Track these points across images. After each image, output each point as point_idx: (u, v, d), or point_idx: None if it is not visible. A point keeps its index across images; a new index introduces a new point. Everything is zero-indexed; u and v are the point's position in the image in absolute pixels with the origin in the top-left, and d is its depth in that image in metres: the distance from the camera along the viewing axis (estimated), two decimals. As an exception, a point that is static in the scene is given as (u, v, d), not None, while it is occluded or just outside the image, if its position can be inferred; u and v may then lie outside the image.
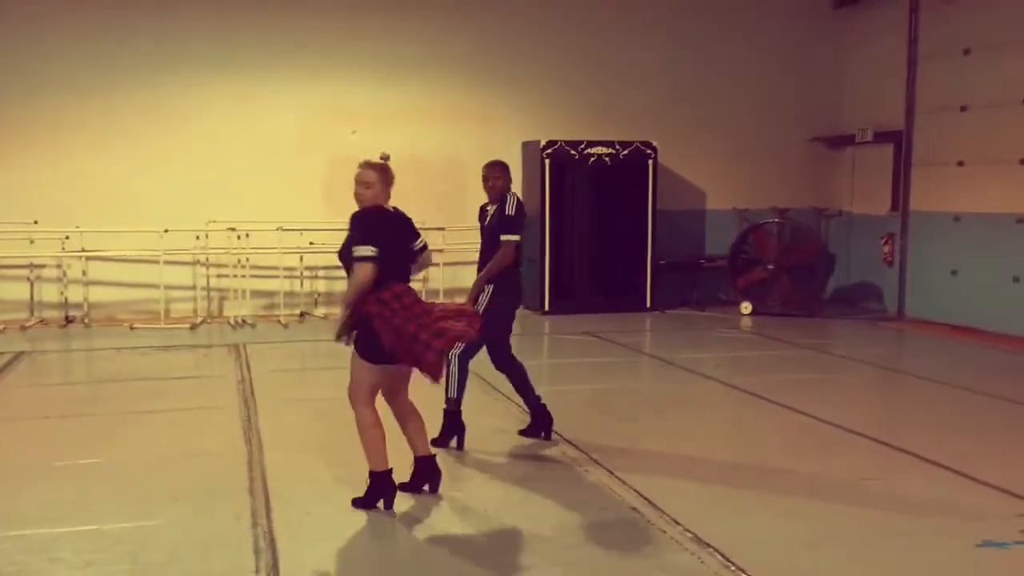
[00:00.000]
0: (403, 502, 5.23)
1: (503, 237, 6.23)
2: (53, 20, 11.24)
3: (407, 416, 5.32)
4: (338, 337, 5.04)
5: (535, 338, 11.25)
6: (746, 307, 12.53)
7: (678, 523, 4.97)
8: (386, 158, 5.22)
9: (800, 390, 8.22)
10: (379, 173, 5.10)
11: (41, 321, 11.25)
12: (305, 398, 7.80)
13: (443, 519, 5.11)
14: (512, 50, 12.66)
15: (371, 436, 5.07)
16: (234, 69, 11.77)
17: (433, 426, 6.03)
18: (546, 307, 12.29)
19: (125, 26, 11.41)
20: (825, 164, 13.88)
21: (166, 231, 11.00)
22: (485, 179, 6.38)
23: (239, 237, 11.31)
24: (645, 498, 5.35)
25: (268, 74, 11.90)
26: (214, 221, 11.32)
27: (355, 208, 5.13)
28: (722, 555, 4.56)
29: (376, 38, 12.20)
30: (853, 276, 13.57)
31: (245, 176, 11.73)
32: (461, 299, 6.60)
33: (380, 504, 5.13)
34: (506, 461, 6.15)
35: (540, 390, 6.64)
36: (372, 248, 4.90)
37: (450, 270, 11.99)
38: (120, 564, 4.38)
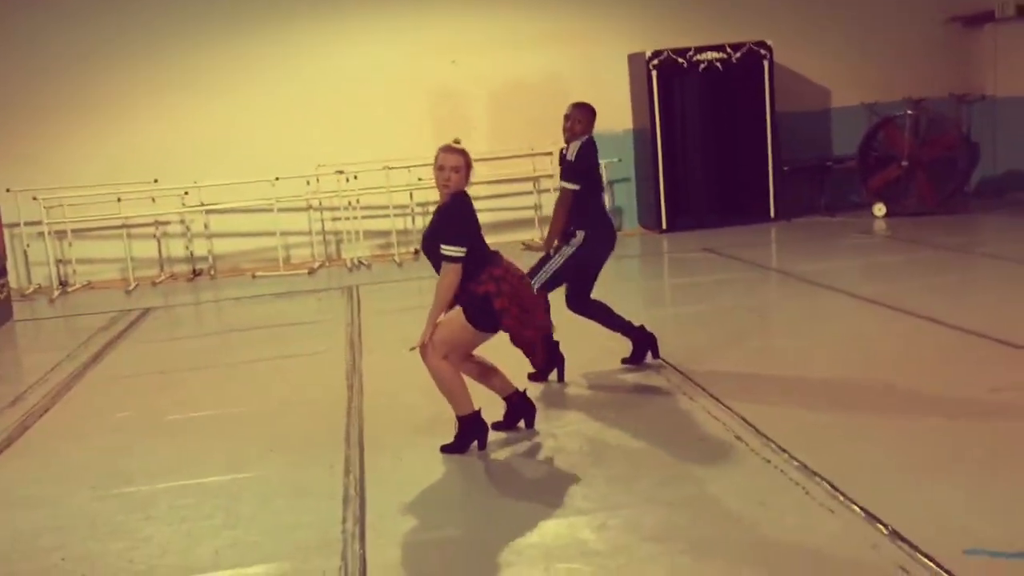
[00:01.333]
0: (496, 442, 5.10)
1: (560, 183, 6.00)
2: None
3: (482, 368, 5.18)
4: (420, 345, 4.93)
5: (652, 258, 10.89)
6: (880, 209, 11.74)
7: (784, 450, 4.65)
8: (459, 142, 4.98)
9: (936, 297, 7.62)
10: (464, 157, 4.90)
11: (171, 276, 11.65)
12: (411, 338, 7.75)
13: (535, 457, 4.95)
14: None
15: (454, 382, 4.94)
16: (330, 11, 11.67)
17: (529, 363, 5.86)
18: (664, 225, 11.85)
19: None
20: (963, 46, 12.73)
21: (277, 179, 11.13)
22: (565, 118, 6.03)
23: (347, 179, 11.34)
24: (751, 425, 5.03)
25: (365, 12, 11.75)
26: (322, 165, 11.36)
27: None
28: (830, 484, 4.23)
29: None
30: (1000, 165, 12.51)
31: (348, 117, 11.69)
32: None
33: (474, 445, 5.03)
34: (606, 392, 5.92)
35: (651, 313, 6.26)
36: (464, 249, 4.81)
37: (562, 195, 11.66)
38: (211, 519, 4.42)
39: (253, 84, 11.62)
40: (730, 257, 10.02)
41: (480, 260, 4.90)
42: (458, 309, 4.91)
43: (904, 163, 11.67)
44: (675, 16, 12.23)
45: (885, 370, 5.85)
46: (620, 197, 12.46)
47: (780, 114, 11.85)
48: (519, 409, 5.27)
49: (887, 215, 11.67)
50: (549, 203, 11.65)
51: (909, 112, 11.78)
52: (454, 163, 4.86)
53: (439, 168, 4.88)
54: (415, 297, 9.06)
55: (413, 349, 4.99)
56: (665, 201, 11.81)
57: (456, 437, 5.02)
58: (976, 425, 4.83)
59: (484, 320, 4.87)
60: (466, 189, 4.97)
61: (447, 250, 4.82)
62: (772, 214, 11.93)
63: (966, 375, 5.62)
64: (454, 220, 4.87)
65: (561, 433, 5.22)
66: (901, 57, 12.55)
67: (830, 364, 6.10)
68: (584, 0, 12.14)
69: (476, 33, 11.94)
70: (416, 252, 11.73)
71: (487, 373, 5.21)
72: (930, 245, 9.84)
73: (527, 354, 5.19)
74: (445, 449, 5.01)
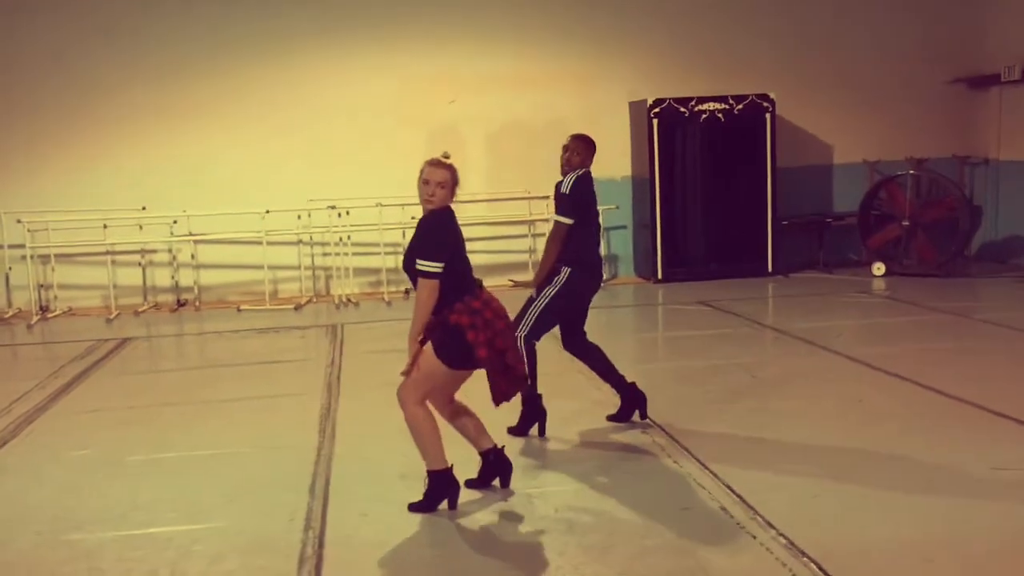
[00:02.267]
0: (468, 501, 4.84)
1: (555, 217, 5.79)
2: (154, 9, 11.28)
3: (461, 414, 4.92)
4: (409, 370, 4.66)
5: (645, 309, 10.67)
6: (879, 268, 11.55)
7: (772, 526, 4.39)
8: (447, 157, 4.77)
9: (934, 362, 7.39)
10: (451, 172, 4.67)
11: (154, 306, 11.41)
12: (391, 382, 7.49)
13: (508, 520, 4.68)
14: (613, 4, 11.99)
15: (429, 434, 4.68)
16: (327, 45, 11.56)
17: (509, 416, 5.63)
18: (659, 276, 11.64)
19: (221, 9, 11.35)
20: (967, 108, 12.62)
21: (268, 212, 10.94)
22: (564, 149, 5.86)
23: (339, 215, 11.14)
24: (737, 495, 4.78)
25: (363, 48, 11.65)
26: (314, 199, 11.17)
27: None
28: (818, 566, 3.97)
29: (472, 6, 11.76)
30: (1002, 230, 12.32)
31: (344, 153, 11.54)
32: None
33: (443, 504, 4.76)
34: (588, 450, 5.66)
35: (641, 367, 5.98)
36: (440, 264, 4.55)
37: (556, 240, 11.46)
38: (157, 574, 4.15)
39: (247, 115, 11.47)
40: (725, 311, 9.80)
41: (460, 286, 4.65)
42: (428, 346, 4.66)
43: (905, 223, 11.51)
44: (678, 65, 12.13)
45: (881, 440, 5.60)
46: (616, 245, 12.28)
47: (781, 168, 11.71)
48: (495, 467, 5.00)
49: (886, 274, 11.48)
50: (543, 247, 11.52)
51: (911, 172, 11.64)
52: (440, 178, 4.64)
53: (424, 182, 4.66)
54: (400, 339, 8.84)
55: (404, 373, 4.72)
56: (662, 251, 11.62)
57: (425, 494, 4.75)
58: (978, 506, 4.57)
59: (456, 355, 4.60)
60: (451, 206, 4.75)
61: (422, 265, 4.56)
62: (770, 268, 11.74)
63: (966, 450, 5.36)
64: (430, 233, 4.64)
65: (537, 495, 4.95)
66: (905, 116, 12.44)
67: (823, 429, 5.85)
68: (587, 45, 12.05)
69: (476, 73, 11.82)
70: (406, 291, 11.51)
71: (465, 419, 4.95)
72: (929, 308, 9.62)
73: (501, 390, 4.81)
74: (413, 507, 4.74)
